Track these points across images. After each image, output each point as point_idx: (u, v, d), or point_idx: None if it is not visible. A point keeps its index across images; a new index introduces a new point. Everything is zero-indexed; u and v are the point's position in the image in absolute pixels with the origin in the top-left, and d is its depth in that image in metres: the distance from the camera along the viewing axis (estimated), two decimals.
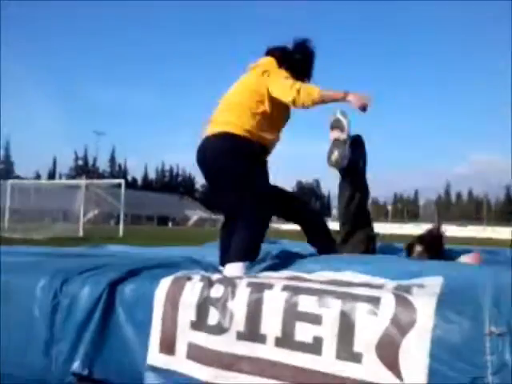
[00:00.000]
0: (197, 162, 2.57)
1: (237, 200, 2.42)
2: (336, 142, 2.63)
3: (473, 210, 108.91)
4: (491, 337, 1.38)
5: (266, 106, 2.47)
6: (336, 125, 2.64)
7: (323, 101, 2.34)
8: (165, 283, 1.92)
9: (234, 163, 2.41)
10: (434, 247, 2.59)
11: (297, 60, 2.60)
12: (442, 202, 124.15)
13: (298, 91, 2.29)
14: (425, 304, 1.50)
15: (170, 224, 63.00)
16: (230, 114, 2.48)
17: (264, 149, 2.55)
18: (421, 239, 2.65)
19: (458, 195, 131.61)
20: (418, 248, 2.59)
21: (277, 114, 2.52)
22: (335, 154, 2.61)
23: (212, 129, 2.51)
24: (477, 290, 1.53)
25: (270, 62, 2.57)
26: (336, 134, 2.65)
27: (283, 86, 2.37)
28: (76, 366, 1.91)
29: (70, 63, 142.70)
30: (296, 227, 2.77)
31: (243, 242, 2.32)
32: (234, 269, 2.22)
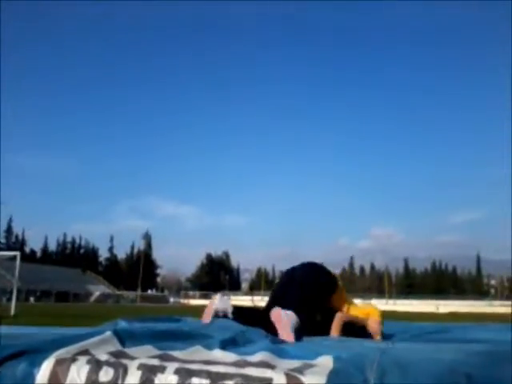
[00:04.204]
0: None
1: None
2: None
3: (375, 282, 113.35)
4: None
5: None
6: None
7: None
8: (47, 366, 1.77)
9: None
10: None
11: None
12: (346, 275, 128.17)
13: None
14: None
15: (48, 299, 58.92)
16: None
17: None
18: None
19: (362, 269, 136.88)
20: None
21: None
22: None
23: None
24: (364, 369, 1.57)
25: None
26: None
27: None
28: None
29: None
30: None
31: None
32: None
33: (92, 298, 69.60)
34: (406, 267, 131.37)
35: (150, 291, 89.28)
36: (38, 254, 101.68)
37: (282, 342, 2.27)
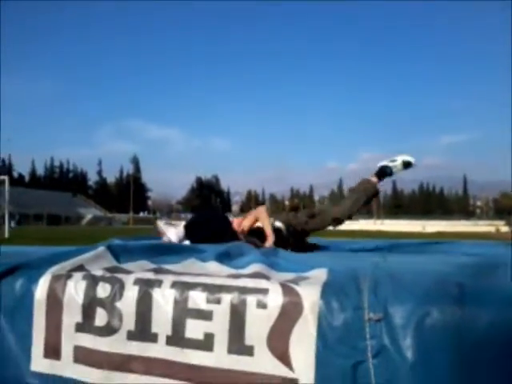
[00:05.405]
0: None
1: None
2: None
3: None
4: (370, 322, 1.46)
5: None
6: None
7: None
8: (44, 282, 1.80)
9: None
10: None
11: None
12: (335, 197, 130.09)
13: None
14: (310, 294, 1.55)
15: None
16: None
17: None
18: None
19: None
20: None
21: None
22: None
23: None
24: (357, 281, 1.60)
25: None
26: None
27: None
28: None
29: None
30: None
31: None
32: None
33: (84, 221, 70.30)
34: (394, 189, 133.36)
35: (141, 214, 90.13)
36: (27, 179, 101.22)
37: (274, 255, 2.30)
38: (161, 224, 3.30)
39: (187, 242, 3.15)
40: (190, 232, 3.22)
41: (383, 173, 3.58)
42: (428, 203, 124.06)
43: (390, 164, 3.55)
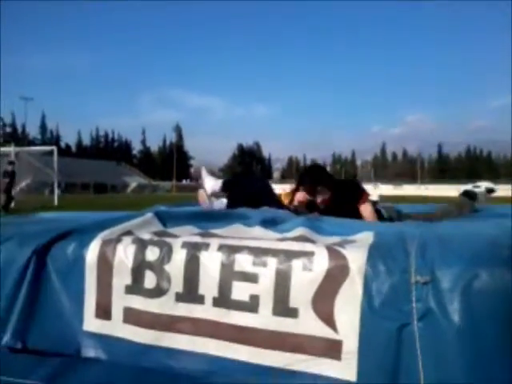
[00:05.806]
0: None
1: None
2: None
3: (408, 169, 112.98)
4: (417, 285, 1.45)
5: None
6: None
7: None
8: (95, 246, 1.86)
9: None
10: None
11: None
12: (378, 162, 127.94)
13: None
14: (356, 256, 1.54)
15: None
16: None
17: None
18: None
19: (394, 155, 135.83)
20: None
21: None
22: None
23: None
24: (405, 243, 1.59)
25: None
26: None
27: None
28: (7, 339, 1.82)
29: None
30: None
31: None
32: None
33: (129, 189, 71.76)
34: (440, 152, 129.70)
35: (184, 181, 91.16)
36: (73, 149, 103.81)
37: (319, 220, 2.29)
38: (204, 170, 3.34)
39: (224, 201, 3.14)
40: (226, 188, 3.17)
41: (469, 196, 3.55)
42: (475, 167, 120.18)
43: (476, 190, 3.56)
